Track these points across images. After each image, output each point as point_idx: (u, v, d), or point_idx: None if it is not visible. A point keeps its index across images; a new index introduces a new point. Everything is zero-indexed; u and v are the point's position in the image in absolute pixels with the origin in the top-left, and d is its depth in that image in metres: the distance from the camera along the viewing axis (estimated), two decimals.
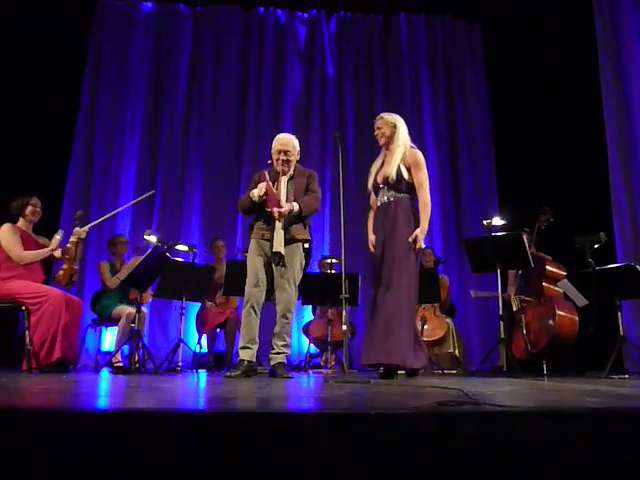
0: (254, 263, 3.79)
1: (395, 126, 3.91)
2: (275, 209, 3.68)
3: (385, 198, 3.84)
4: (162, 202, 6.80)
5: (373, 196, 3.99)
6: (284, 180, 3.87)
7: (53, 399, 1.78)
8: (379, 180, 3.87)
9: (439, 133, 7.33)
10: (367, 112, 7.35)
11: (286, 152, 3.88)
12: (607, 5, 6.10)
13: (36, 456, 1.14)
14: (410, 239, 3.67)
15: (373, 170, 3.97)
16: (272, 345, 3.80)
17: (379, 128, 3.98)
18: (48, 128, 6.43)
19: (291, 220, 3.80)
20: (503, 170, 7.10)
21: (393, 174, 3.76)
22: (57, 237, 4.51)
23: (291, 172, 3.92)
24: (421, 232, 3.69)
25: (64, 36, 6.90)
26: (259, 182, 3.84)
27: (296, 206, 3.77)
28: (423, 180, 3.78)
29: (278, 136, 4.03)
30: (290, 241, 3.78)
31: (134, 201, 5.39)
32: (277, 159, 3.89)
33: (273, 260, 3.77)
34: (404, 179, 3.76)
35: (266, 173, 3.87)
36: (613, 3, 6.06)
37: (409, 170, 3.79)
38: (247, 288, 3.76)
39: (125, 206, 5.55)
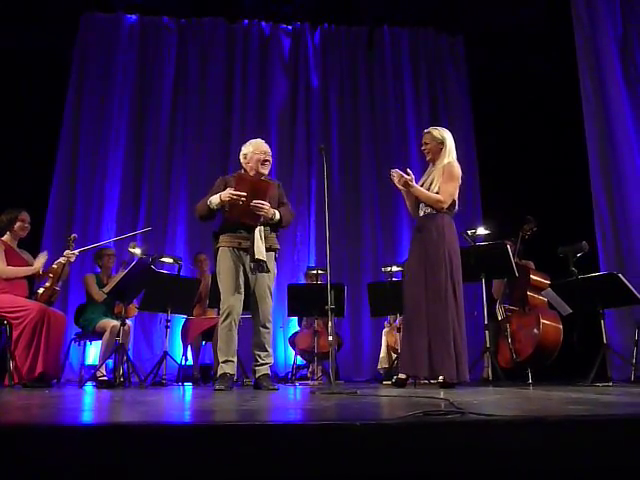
0: (231, 272, 3.67)
1: (442, 142, 3.88)
2: (263, 207, 3.59)
3: (425, 211, 3.83)
4: (147, 215, 6.77)
5: None
6: None
7: (36, 414, 1.75)
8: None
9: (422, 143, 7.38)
10: (352, 123, 7.41)
11: (269, 154, 3.88)
12: (586, 19, 6.20)
13: (19, 472, 1.13)
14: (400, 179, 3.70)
15: (418, 184, 3.89)
16: (254, 357, 3.75)
17: (426, 143, 3.94)
18: (31, 142, 6.39)
19: (269, 229, 3.78)
20: (486, 180, 7.16)
21: (434, 189, 3.75)
22: (41, 259, 4.46)
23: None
24: (415, 188, 3.73)
25: (47, 49, 6.84)
26: (223, 188, 3.72)
27: (277, 214, 3.75)
28: (449, 188, 3.74)
29: (253, 140, 3.95)
30: (267, 249, 3.72)
31: (130, 234, 5.34)
32: (263, 160, 3.83)
33: (256, 268, 3.69)
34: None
35: (242, 174, 3.77)
36: (592, 17, 6.17)
37: None
38: (227, 301, 3.66)
39: (120, 237, 5.52)
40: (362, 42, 7.69)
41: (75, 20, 7.08)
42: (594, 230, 5.82)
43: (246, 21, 7.54)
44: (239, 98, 7.29)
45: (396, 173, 3.79)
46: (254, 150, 3.87)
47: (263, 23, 7.59)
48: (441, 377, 3.57)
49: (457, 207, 3.88)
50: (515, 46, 7.14)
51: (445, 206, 3.74)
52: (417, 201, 3.88)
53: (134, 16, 7.37)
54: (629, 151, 5.74)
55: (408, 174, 3.75)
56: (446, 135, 3.90)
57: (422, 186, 3.86)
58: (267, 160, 3.85)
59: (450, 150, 3.87)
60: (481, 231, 4.93)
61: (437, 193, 3.75)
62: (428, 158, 3.95)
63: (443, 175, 3.77)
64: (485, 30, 7.30)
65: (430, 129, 3.99)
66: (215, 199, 3.67)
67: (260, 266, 3.69)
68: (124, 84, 7.14)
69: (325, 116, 7.43)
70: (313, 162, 7.19)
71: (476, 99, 7.47)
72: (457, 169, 3.82)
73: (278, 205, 3.85)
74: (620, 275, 4.13)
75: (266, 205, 3.63)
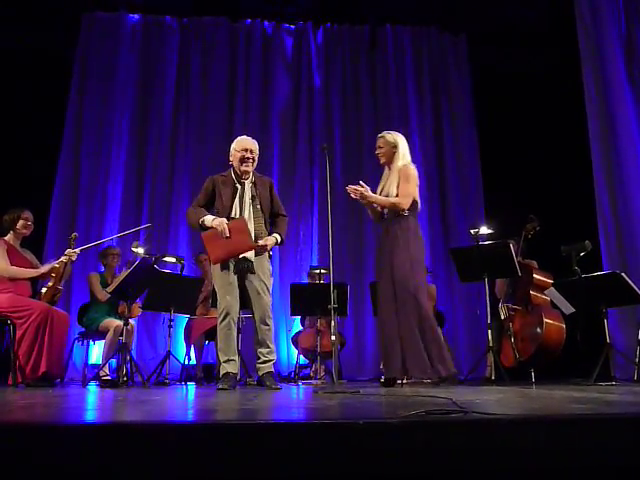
0: (225, 275, 3.71)
1: (396, 146, 3.97)
2: (260, 245, 3.70)
3: (387, 216, 3.93)
4: (149, 214, 6.76)
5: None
6: (247, 185, 3.85)
7: (39, 413, 1.76)
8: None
9: (426, 142, 7.38)
10: (354, 123, 7.40)
11: (251, 151, 3.87)
12: (589, 17, 6.19)
13: (22, 471, 1.13)
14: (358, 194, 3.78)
15: (378, 190, 4.00)
16: (257, 354, 3.76)
17: (380, 147, 4.03)
18: (34, 142, 6.39)
19: (261, 228, 3.81)
20: (489, 179, 7.15)
21: (393, 193, 3.84)
22: (48, 266, 4.43)
23: (252, 177, 3.90)
24: (371, 197, 3.82)
25: (49, 49, 6.85)
26: (212, 189, 3.83)
27: (278, 237, 3.84)
28: (405, 190, 3.84)
29: (240, 137, 3.98)
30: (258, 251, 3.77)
31: (130, 231, 5.32)
32: (242, 157, 3.82)
33: (243, 266, 3.70)
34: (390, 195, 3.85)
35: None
36: (595, 15, 6.16)
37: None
38: (223, 301, 3.68)
39: (119, 235, 5.50)
40: (365, 41, 7.67)
41: (77, 19, 7.08)
42: (597, 229, 5.81)
43: (248, 20, 7.54)
44: (241, 97, 7.28)
45: (350, 189, 3.86)
46: (236, 147, 3.90)
47: (266, 22, 7.58)
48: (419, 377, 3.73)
49: (420, 206, 3.98)
50: (518, 45, 7.13)
51: (405, 207, 3.82)
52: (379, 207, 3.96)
53: (136, 15, 7.37)
54: (632, 150, 5.73)
55: (362, 186, 3.85)
56: (399, 139, 4.01)
57: (382, 191, 3.95)
58: (248, 158, 3.84)
59: (404, 153, 3.97)
60: (484, 230, 4.92)
61: (396, 196, 3.84)
62: (382, 162, 4.04)
63: (401, 178, 3.87)
64: (488, 29, 7.29)
65: (384, 134, 4.09)
66: (208, 221, 3.71)
67: (245, 266, 3.71)
68: (126, 83, 7.13)
69: (328, 115, 7.42)
70: (316, 162, 7.18)
71: (479, 98, 7.45)
72: (413, 170, 3.92)
73: (273, 212, 3.92)
74: (623, 274, 4.12)
75: (268, 244, 3.76)
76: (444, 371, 3.63)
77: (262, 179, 3.98)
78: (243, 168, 3.83)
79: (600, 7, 6.16)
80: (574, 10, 6.31)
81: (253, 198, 3.82)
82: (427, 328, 3.68)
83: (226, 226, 3.63)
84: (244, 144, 3.88)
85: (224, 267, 3.72)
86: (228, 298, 3.67)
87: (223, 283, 3.71)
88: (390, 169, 3.99)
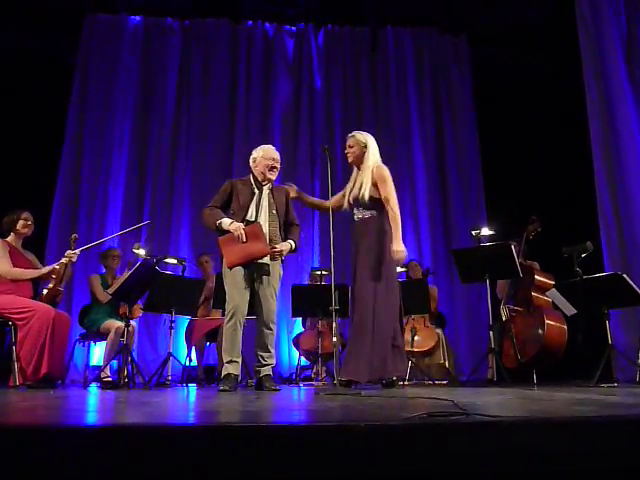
0: (237, 274, 3.72)
1: (366, 146, 4.00)
2: (276, 251, 3.73)
3: (359, 216, 3.95)
4: (151, 216, 6.76)
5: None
6: (265, 191, 3.88)
7: (40, 415, 1.76)
8: (351, 200, 3.97)
9: (427, 144, 7.38)
10: (355, 124, 7.38)
11: (278, 160, 3.95)
12: (590, 17, 6.19)
13: (23, 473, 1.13)
14: (392, 256, 3.77)
15: (347, 190, 4.04)
16: (257, 357, 3.77)
17: (350, 147, 4.05)
18: (35, 143, 6.40)
19: (276, 232, 3.83)
20: (490, 180, 7.15)
21: (365, 194, 3.86)
22: (49, 267, 4.44)
23: (270, 185, 3.95)
24: (397, 245, 3.76)
25: (50, 51, 6.87)
26: (230, 191, 3.87)
27: (293, 244, 3.87)
28: (389, 194, 3.87)
29: (264, 146, 4.04)
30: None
31: (129, 229, 5.32)
32: (271, 166, 3.90)
33: (259, 270, 3.74)
34: (373, 197, 3.86)
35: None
36: (596, 15, 6.15)
37: (376, 186, 3.87)
38: (232, 301, 3.69)
39: (119, 233, 5.50)
40: (365, 43, 7.68)
41: (79, 22, 7.09)
42: (598, 230, 5.80)
43: (250, 22, 7.54)
44: (243, 99, 7.29)
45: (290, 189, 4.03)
46: (263, 155, 3.94)
47: (267, 24, 7.59)
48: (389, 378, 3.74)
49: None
50: (519, 46, 7.13)
51: (398, 212, 3.86)
52: (351, 204, 3.97)
53: (138, 17, 7.38)
54: (633, 151, 5.71)
55: (291, 186, 4.09)
56: (369, 139, 4.04)
57: (351, 192, 3.96)
58: (275, 167, 3.92)
59: (373, 153, 3.99)
60: (485, 232, 4.92)
61: (371, 197, 3.85)
62: (350, 161, 4.06)
63: (374, 179, 3.88)
64: (489, 30, 7.29)
65: (354, 133, 4.12)
66: (225, 224, 3.72)
67: (263, 269, 3.72)
68: (128, 85, 7.14)
69: (329, 117, 7.42)
70: (317, 163, 7.18)
71: (480, 99, 7.45)
72: (387, 171, 3.93)
73: (287, 220, 3.95)
74: (625, 275, 4.11)
75: (284, 250, 3.79)
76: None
77: (279, 187, 4.05)
78: (269, 175, 3.89)
79: (601, 7, 6.15)
80: (575, 10, 6.31)
81: (270, 204, 3.86)
82: (399, 328, 3.81)
83: (243, 231, 3.64)
84: (272, 154, 3.95)
85: (237, 268, 3.72)
86: (237, 299, 3.68)
87: (234, 283, 3.71)
88: (360, 169, 4.00)
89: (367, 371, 3.64)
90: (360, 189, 3.88)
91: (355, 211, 3.97)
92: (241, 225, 3.69)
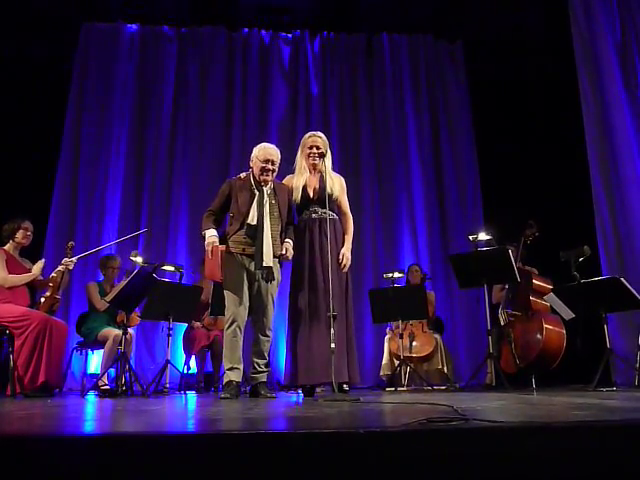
0: (237, 280, 3.69)
1: (327, 150, 4.06)
2: (285, 256, 3.78)
3: (318, 214, 3.95)
4: (148, 223, 6.75)
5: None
6: (266, 192, 3.82)
7: (37, 424, 1.75)
8: (312, 195, 3.97)
9: (423, 149, 7.39)
10: (352, 131, 7.42)
11: (273, 162, 3.85)
12: (585, 24, 6.22)
13: None
14: (342, 258, 3.88)
15: (309, 190, 3.99)
16: (253, 364, 3.75)
17: (319, 148, 4.06)
18: (32, 151, 6.40)
19: (277, 236, 3.80)
20: (487, 185, 7.16)
21: (335, 191, 3.97)
22: (39, 265, 4.48)
23: (271, 185, 3.88)
24: (347, 251, 3.93)
25: (47, 59, 6.88)
26: (228, 193, 3.85)
27: (291, 244, 3.86)
28: (347, 201, 4.11)
29: (264, 145, 3.96)
30: (273, 256, 3.74)
31: (126, 237, 5.31)
32: (263, 168, 3.81)
33: (261, 275, 3.71)
34: (337, 201, 4.03)
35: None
36: (590, 22, 6.19)
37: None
38: (231, 307, 3.66)
39: (116, 241, 5.51)
40: (361, 49, 7.70)
41: (75, 30, 7.10)
42: (595, 234, 5.82)
43: (246, 30, 7.56)
44: (239, 106, 7.30)
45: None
46: (258, 155, 3.87)
47: (263, 31, 7.60)
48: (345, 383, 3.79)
49: None
50: (514, 52, 7.15)
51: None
52: (313, 201, 3.97)
53: (134, 25, 7.39)
54: (629, 156, 5.74)
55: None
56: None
57: (314, 191, 3.98)
58: (269, 169, 3.83)
59: (329, 157, 4.06)
60: (483, 236, 4.92)
61: (337, 200, 4.02)
62: (316, 161, 4.05)
63: (340, 190, 4.05)
64: (484, 36, 7.31)
65: (321, 134, 4.16)
66: (206, 236, 3.73)
67: (267, 274, 3.71)
68: (125, 93, 7.15)
69: (325, 123, 7.42)
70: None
71: (476, 105, 7.47)
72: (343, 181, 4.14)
73: (288, 219, 3.93)
74: (622, 279, 4.11)
75: (288, 254, 3.81)
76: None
77: (281, 186, 3.99)
78: (263, 177, 3.83)
79: (595, 14, 6.19)
80: (569, 17, 6.35)
81: (272, 205, 3.80)
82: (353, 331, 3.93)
83: (211, 248, 3.66)
84: (266, 155, 3.85)
85: (237, 273, 3.70)
86: (237, 306, 3.65)
87: (234, 291, 3.68)
88: (316, 169, 4.06)
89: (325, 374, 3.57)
90: (332, 191, 3.94)
91: (316, 208, 3.95)
92: (213, 242, 3.69)
